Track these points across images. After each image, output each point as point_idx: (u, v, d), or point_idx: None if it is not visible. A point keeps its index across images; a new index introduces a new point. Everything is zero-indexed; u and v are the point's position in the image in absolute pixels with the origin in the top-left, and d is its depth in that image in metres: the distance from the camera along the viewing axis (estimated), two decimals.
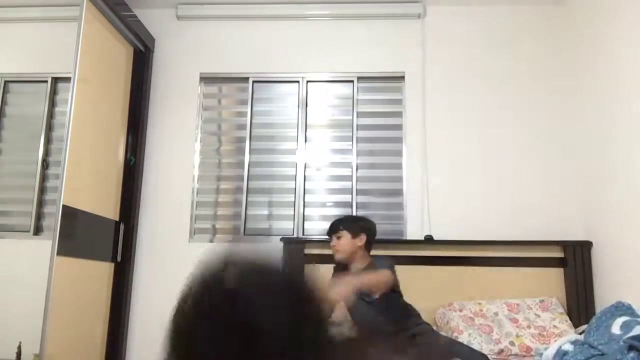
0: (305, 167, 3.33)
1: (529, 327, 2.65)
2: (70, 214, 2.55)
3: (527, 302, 2.81)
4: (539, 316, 2.73)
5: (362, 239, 2.49)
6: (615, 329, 2.01)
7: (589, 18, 3.03)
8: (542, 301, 2.83)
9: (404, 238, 3.16)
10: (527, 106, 3.24)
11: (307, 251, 3.01)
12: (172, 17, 3.49)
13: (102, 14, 2.88)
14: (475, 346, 2.47)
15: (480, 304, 2.80)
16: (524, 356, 2.54)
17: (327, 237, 2.59)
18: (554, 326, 2.66)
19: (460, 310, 2.75)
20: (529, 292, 2.95)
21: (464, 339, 2.54)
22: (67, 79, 2.71)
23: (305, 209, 3.27)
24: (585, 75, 3.06)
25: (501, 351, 2.50)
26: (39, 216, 3.00)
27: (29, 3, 3.19)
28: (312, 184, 3.32)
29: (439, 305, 2.88)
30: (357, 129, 3.35)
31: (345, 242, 2.49)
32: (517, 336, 2.59)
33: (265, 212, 3.31)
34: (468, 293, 2.97)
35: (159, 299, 3.10)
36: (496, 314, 2.72)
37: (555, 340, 2.36)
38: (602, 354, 1.88)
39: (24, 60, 3.20)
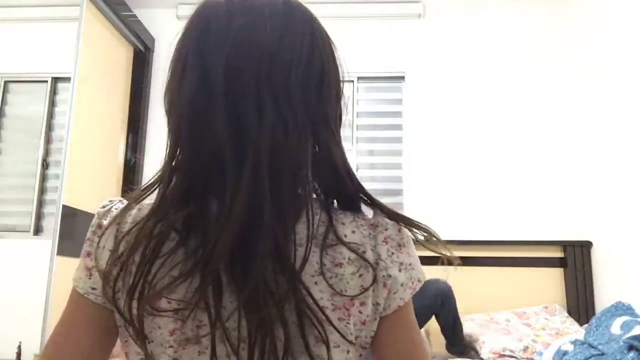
0: None
1: (543, 329, 2.63)
2: (70, 214, 2.54)
3: (533, 310, 2.79)
4: (548, 320, 2.72)
5: None
6: (615, 329, 2.01)
7: (589, 18, 3.03)
8: (545, 307, 2.82)
9: None
10: (527, 106, 3.24)
11: None
12: (172, 17, 3.48)
13: (102, 14, 2.88)
14: (501, 343, 2.44)
15: (489, 314, 2.79)
16: None
17: None
18: (567, 327, 2.65)
19: (472, 320, 2.74)
20: (529, 292, 2.95)
21: (487, 337, 2.52)
22: (67, 79, 2.71)
23: None
24: (585, 75, 3.06)
25: (526, 348, 2.47)
26: (39, 216, 3.00)
27: (29, 3, 3.19)
28: None
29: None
30: (357, 129, 3.35)
31: None
32: (537, 335, 2.58)
33: None
34: (468, 293, 2.97)
35: None
36: (508, 320, 2.71)
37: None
38: (602, 354, 1.88)
39: (24, 60, 3.20)
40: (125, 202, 0.63)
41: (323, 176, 0.62)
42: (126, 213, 0.62)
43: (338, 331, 0.56)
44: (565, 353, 2.06)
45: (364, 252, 0.59)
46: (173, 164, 0.60)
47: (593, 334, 2.08)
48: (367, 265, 0.58)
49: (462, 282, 3.00)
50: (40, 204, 3.01)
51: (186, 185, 0.58)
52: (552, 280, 2.99)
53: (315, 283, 0.56)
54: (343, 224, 0.61)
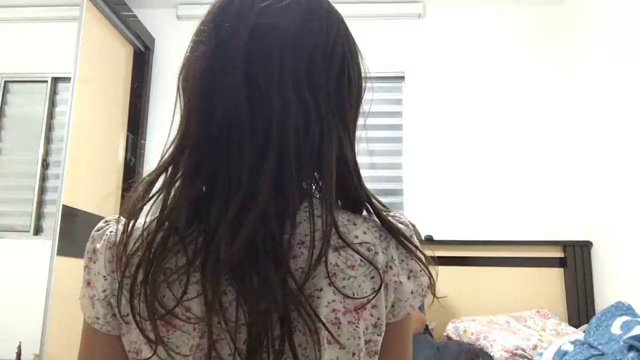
0: None
1: (543, 330, 2.63)
2: (70, 214, 2.54)
3: (527, 314, 2.79)
4: (545, 322, 2.72)
5: None
6: (615, 329, 2.01)
7: (589, 18, 3.03)
8: (538, 312, 2.82)
9: None
10: (527, 106, 3.24)
11: None
12: (172, 17, 3.48)
13: (102, 14, 2.88)
14: (510, 342, 2.42)
15: (487, 316, 2.79)
16: None
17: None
18: (563, 328, 2.64)
19: (473, 320, 2.73)
20: (529, 292, 2.95)
21: (495, 335, 2.52)
22: (67, 79, 2.71)
23: None
24: (585, 75, 3.06)
25: (535, 346, 2.46)
26: (39, 216, 3.00)
27: (29, 3, 3.19)
28: None
29: (440, 306, 2.88)
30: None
31: None
32: (541, 335, 2.57)
33: None
34: (468, 293, 2.97)
35: None
36: (508, 322, 2.71)
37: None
38: (602, 354, 1.88)
39: (24, 60, 3.20)
40: (122, 220, 0.59)
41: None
42: (123, 234, 0.57)
43: (332, 335, 0.54)
44: (565, 353, 2.06)
45: (375, 253, 0.57)
46: (180, 145, 0.56)
47: (593, 334, 2.08)
48: (378, 268, 0.56)
49: (462, 282, 3.01)
50: (40, 204, 3.01)
51: (192, 170, 0.54)
52: (552, 280, 2.99)
53: (329, 284, 0.54)
54: (355, 224, 0.59)
